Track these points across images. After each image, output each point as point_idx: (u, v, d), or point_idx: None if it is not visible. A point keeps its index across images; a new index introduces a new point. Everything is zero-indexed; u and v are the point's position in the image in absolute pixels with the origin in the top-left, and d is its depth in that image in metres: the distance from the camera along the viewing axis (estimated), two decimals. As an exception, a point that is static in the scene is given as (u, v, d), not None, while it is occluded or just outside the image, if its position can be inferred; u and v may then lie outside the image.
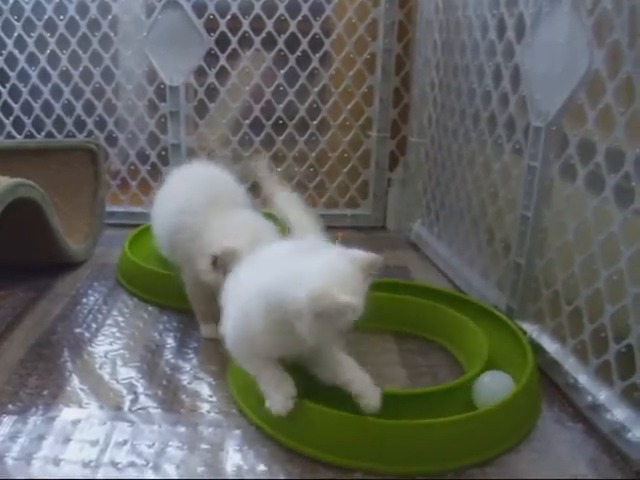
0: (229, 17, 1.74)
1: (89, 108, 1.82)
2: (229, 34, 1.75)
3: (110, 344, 1.21)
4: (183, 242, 1.20)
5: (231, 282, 1.02)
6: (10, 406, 1.01)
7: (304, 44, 1.77)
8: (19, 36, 1.77)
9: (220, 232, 1.14)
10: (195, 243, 1.16)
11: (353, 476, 0.88)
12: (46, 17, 1.75)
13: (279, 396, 0.91)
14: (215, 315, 1.08)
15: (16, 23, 1.76)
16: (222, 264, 1.09)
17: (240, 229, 1.15)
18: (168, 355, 1.18)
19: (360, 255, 0.91)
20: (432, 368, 1.16)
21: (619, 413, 0.94)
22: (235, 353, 0.99)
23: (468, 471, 0.89)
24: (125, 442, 0.94)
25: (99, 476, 0.87)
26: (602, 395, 0.98)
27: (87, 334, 1.24)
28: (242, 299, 0.96)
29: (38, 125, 1.84)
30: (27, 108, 1.83)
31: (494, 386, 0.99)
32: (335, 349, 0.97)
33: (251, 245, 1.09)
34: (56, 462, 0.89)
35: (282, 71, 1.79)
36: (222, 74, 1.79)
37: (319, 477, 0.88)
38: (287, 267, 0.90)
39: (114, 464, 0.89)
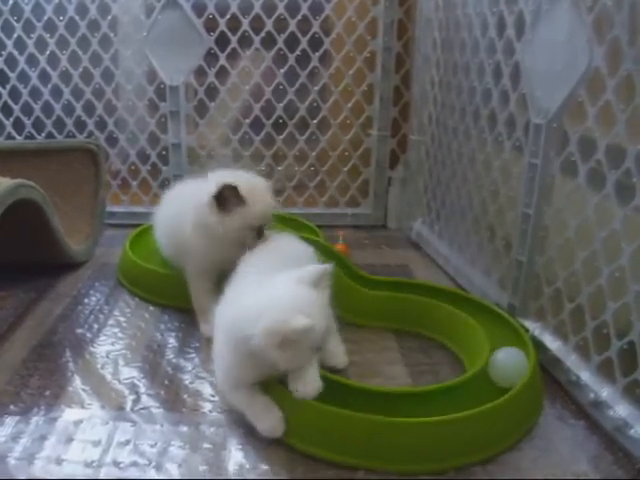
0: (229, 17, 1.74)
1: (89, 108, 1.82)
2: (229, 34, 1.75)
3: (112, 344, 1.21)
4: (180, 239, 1.23)
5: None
6: (12, 407, 1.01)
7: (304, 43, 1.77)
8: (19, 37, 1.77)
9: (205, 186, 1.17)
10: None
11: (355, 475, 0.88)
12: (46, 18, 1.75)
13: (269, 422, 0.94)
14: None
15: (16, 24, 1.76)
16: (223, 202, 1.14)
17: (222, 176, 1.18)
18: (170, 355, 1.18)
19: (308, 272, 0.95)
20: (433, 366, 1.16)
21: (621, 410, 0.94)
22: (221, 388, 1.01)
23: (470, 469, 0.89)
24: (127, 442, 0.94)
25: (101, 476, 0.87)
26: (604, 392, 0.98)
27: (89, 334, 1.24)
28: (217, 336, 1.00)
29: (38, 126, 1.84)
30: (27, 109, 1.83)
31: (509, 362, 1.02)
32: None
33: (244, 180, 1.16)
34: (58, 462, 0.89)
35: (282, 70, 1.79)
36: (222, 73, 1.79)
37: (320, 476, 0.88)
38: (243, 302, 0.93)
39: (116, 464, 0.89)
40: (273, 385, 0.95)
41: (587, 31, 0.99)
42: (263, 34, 1.75)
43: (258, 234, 1.17)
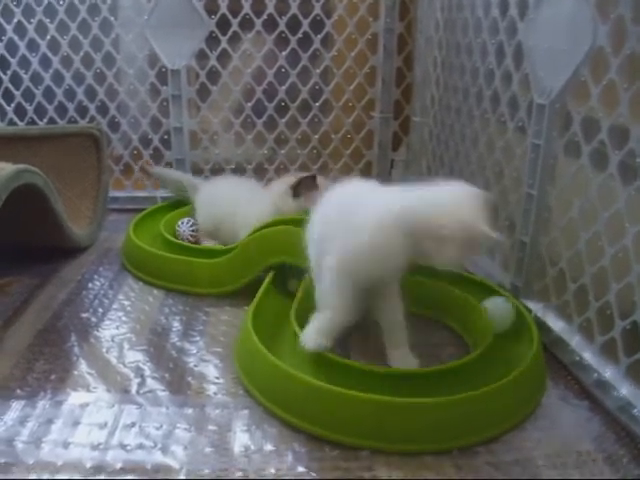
0: (229, -1, 1.73)
1: (91, 93, 1.82)
2: (230, 16, 1.74)
3: (116, 328, 1.22)
4: None
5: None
6: (18, 391, 1.02)
7: (305, 25, 1.76)
8: (19, 22, 1.75)
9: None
10: None
11: (359, 454, 0.88)
12: (45, 2, 1.73)
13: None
14: None
15: (15, 9, 1.75)
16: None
17: None
18: (174, 338, 1.19)
19: None
20: (437, 347, 1.16)
21: (624, 390, 0.94)
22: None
23: (474, 449, 0.90)
24: (133, 424, 0.94)
25: (108, 458, 0.88)
26: (607, 372, 0.99)
27: (93, 318, 1.25)
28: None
29: (40, 111, 1.83)
30: (29, 94, 1.82)
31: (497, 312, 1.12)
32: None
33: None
34: (65, 445, 0.90)
35: (284, 53, 1.78)
36: (223, 57, 1.78)
37: (325, 456, 0.88)
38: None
39: (123, 446, 0.90)
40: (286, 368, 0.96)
41: (590, 9, 0.98)
42: (264, 17, 1.74)
43: None
